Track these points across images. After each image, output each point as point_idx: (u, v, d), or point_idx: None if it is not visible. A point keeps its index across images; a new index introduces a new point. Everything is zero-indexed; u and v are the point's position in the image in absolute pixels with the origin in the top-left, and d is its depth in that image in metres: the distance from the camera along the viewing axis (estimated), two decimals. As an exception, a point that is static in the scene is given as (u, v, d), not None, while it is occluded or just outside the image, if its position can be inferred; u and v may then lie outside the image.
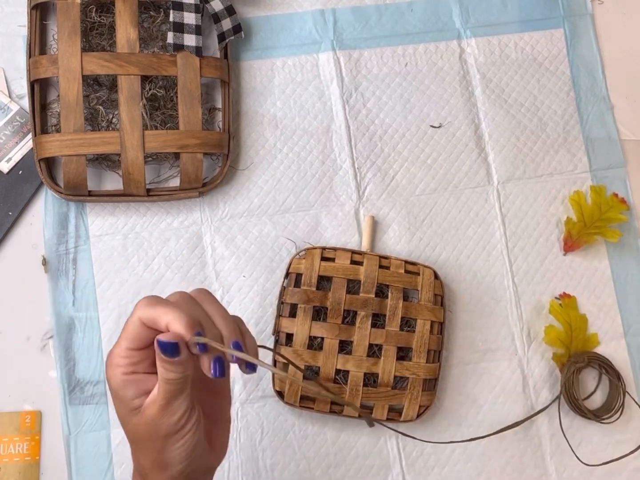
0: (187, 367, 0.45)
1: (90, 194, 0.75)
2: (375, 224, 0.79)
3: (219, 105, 0.80)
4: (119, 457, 0.72)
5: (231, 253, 0.77)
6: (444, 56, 0.84)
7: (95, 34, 0.77)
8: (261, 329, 0.76)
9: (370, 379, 0.73)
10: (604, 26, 0.87)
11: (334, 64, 0.82)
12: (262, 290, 0.77)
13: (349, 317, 0.73)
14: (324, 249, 0.75)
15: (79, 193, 0.74)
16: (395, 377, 0.73)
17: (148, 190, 0.75)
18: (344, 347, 0.73)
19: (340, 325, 0.72)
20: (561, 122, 0.84)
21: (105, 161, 0.77)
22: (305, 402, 0.73)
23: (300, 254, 0.74)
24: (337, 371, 0.72)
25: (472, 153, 0.82)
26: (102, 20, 0.76)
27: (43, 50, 0.76)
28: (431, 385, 0.74)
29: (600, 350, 0.79)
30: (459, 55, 0.84)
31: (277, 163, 0.80)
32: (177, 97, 0.74)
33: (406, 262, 0.75)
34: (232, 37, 0.78)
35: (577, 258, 0.81)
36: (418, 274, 0.74)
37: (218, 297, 0.75)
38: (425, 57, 0.84)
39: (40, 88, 0.75)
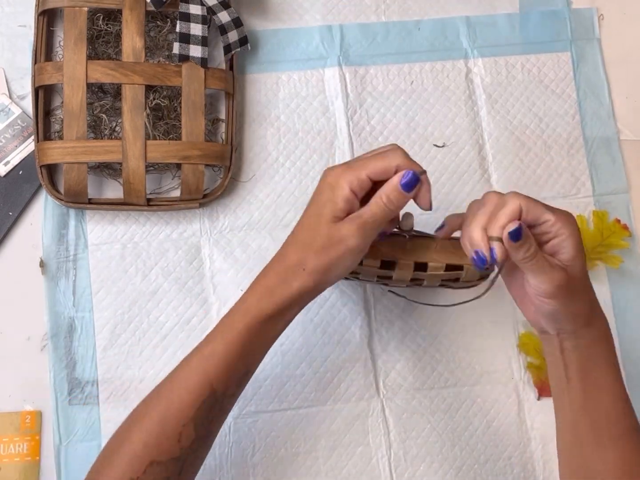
0: (397, 207, 0.57)
1: (90, 201, 0.75)
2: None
3: (223, 116, 0.80)
4: (108, 468, 0.72)
5: (229, 266, 0.77)
6: (450, 75, 0.84)
7: (102, 42, 0.77)
8: (257, 344, 0.76)
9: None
10: (604, 26, 0.87)
11: (340, 79, 0.82)
12: (259, 305, 0.76)
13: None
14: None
15: (79, 200, 0.74)
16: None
17: (148, 200, 0.75)
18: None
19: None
20: (566, 146, 0.83)
21: (107, 169, 0.77)
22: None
23: None
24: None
25: (475, 174, 0.82)
26: (108, 29, 0.76)
27: (49, 56, 0.76)
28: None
29: (597, 376, 0.78)
30: (465, 75, 0.84)
31: (279, 177, 0.79)
32: (180, 107, 0.74)
33: (448, 265, 0.64)
34: (239, 49, 0.78)
35: (577, 283, 0.80)
36: (462, 268, 0.64)
37: (214, 311, 0.76)
38: (431, 75, 0.83)
39: (44, 94, 0.75)
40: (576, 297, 0.56)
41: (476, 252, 0.54)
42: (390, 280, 0.67)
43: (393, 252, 0.63)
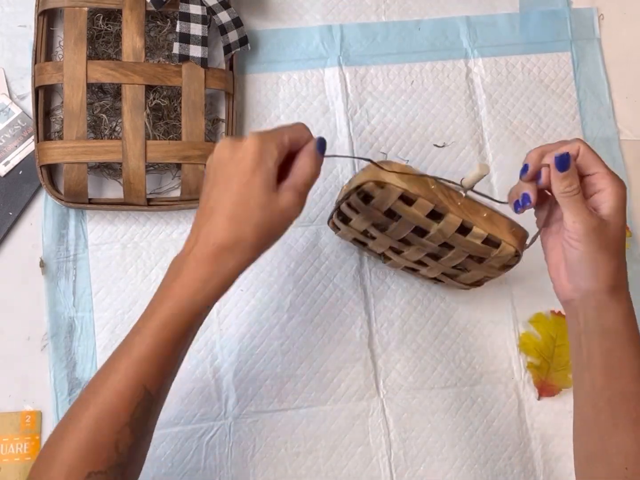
0: (318, 172, 0.56)
1: (90, 201, 0.75)
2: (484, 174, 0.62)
3: (223, 116, 0.80)
4: (108, 468, 0.72)
5: (229, 266, 0.77)
6: (450, 75, 0.84)
7: (102, 42, 0.77)
8: (256, 344, 0.75)
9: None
10: (604, 26, 0.87)
11: (340, 79, 0.82)
12: (259, 305, 0.76)
13: (404, 242, 0.69)
14: (406, 190, 0.61)
15: (79, 200, 0.74)
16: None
17: (148, 200, 0.75)
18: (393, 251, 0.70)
19: (392, 244, 0.69)
20: (566, 146, 0.83)
21: (107, 169, 0.77)
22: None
23: (379, 184, 0.62)
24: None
25: (475, 173, 0.81)
26: (108, 29, 0.76)
27: (49, 56, 0.76)
28: None
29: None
30: (465, 75, 0.84)
31: (279, 177, 0.79)
32: (180, 107, 0.74)
33: (489, 236, 0.63)
34: (239, 49, 0.78)
35: (578, 283, 0.80)
36: (497, 245, 0.64)
37: (214, 311, 0.76)
38: (431, 75, 0.83)
39: (44, 94, 0.75)
40: (605, 252, 0.56)
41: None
42: (421, 238, 0.66)
43: (446, 204, 0.62)
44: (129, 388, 0.52)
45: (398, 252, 0.71)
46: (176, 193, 0.77)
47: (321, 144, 0.56)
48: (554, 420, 0.77)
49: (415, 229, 0.65)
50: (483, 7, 0.86)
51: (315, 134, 0.80)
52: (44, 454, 0.53)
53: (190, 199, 0.75)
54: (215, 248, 0.52)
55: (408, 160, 0.80)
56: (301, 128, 0.56)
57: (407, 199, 0.62)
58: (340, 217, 0.70)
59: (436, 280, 0.75)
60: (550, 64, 0.85)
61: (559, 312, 0.79)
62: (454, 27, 0.85)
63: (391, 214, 0.65)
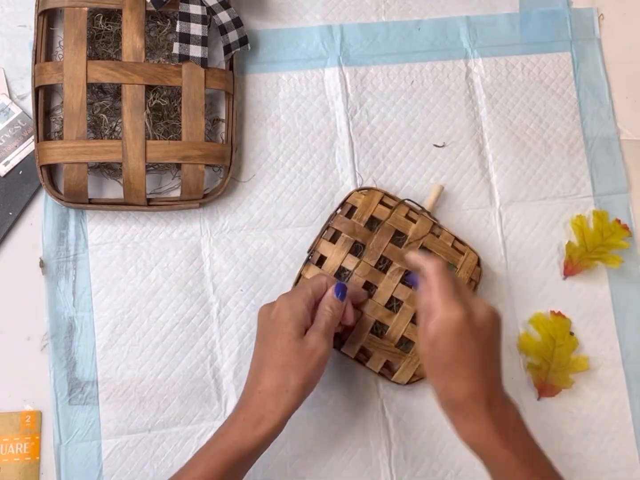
0: (339, 313, 0.67)
1: (90, 201, 0.75)
2: (441, 193, 0.78)
3: (223, 116, 0.80)
4: (109, 469, 0.72)
5: (229, 266, 0.77)
6: (450, 75, 0.84)
7: (102, 42, 0.77)
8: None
9: (379, 330, 0.74)
10: (604, 26, 0.87)
11: (340, 79, 0.82)
12: (259, 305, 0.75)
13: (383, 265, 0.75)
14: (386, 194, 0.76)
15: (79, 200, 0.74)
16: (402, 337, 0.73)
17: (148, 200, 0.75)
18: (367, 289, 0.74)
19: (372, 268, 0.74)
20: (566, 146, 0.83)
21: (107, 169, 0.77)
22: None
23: (362, 191, 0.76)
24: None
25: (475, 174, 0.82)
26: (108, 29, 0.76)
27: (49, 56, 0.76)
28: None
29: (597, 376, 0.78)
30: (465, 75, 0.84)
31: (279, 177, 0.79)
32: (180, 107, 0.74)
33: (456, 238, 0.76)
34: (239, 49, 0.78)
35: (577, 283, 0.80)
36: (463, 253, 0.76)
37: (214, 310, 0.76)
38: (431, 75, 0.83)
39: (44, 94, 0.75)
40: (433, 372, 0.63)
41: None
42: (399, 248, 0.75)
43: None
44: None
45: (369, 294, 0.74)
46: (176, 193, 0.77)
47: (339, 289, 0.67)
48: (554, 420, 0.77)
49: (393, 237, 0.74)
50: (483, 7, 0.86)
51: (316, 134, 0.81)
52: None
53: (190, 198, 0.75)
54: (263, 394, 0.62)
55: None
56: (319, 277, 0.68)
57: (386, 205, 0.75)
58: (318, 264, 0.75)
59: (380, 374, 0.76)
60: (550, 64, 0.85)
61: (559, 312, 0.79)
62: (454, 27, 0.85)
63: (371, 223, 0.75)
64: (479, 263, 0.76)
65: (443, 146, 0.82)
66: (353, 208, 0.75)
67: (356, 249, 0.75)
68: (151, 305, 0.76)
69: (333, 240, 0.74)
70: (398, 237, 0.75)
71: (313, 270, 0.74)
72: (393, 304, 0.74)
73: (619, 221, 0.81)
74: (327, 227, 0.75)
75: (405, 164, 0.81)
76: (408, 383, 0.74)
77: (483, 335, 0.61)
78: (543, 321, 0.78)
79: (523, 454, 0.59)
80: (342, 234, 0.74)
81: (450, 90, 0.83)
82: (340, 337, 0.73)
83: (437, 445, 0.76)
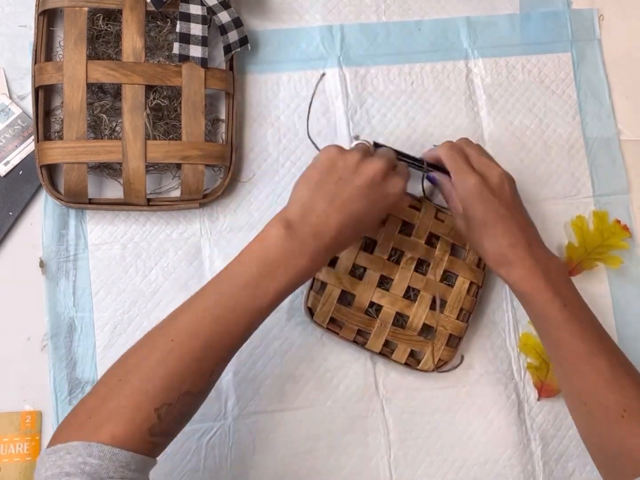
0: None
1: (90, 201, 0.75)
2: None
3: (223, 116, 0.80)
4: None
5: (229, 266, 0.77)
6: (450, 76, 0.84)
7: (102, 42, 0.76)
8: (256, 345, 0.75)
9: (400, 320, 0.75)
10: (604, 27, 0.87)
11: (340, 80, 0.82)
12: (259, 305, 0.76)
13: (395, 256, 0.76)
14: None
15: (79, 200, 0.74)
16: (423, 324, 0.75)
17: (148, 200, 0.75)
18: (384, 282, 0.75)
19: (385, 261, 0.75)
20: (566, 146, 0.83)
21: (107, 169, 0.77)
22: (332, 325, 0.74)
23: None
24: (371, 304, 0.74)
25: (475, 174, 0.81)
26: (108, 29, 0.76)
27: (49, 56, 0.76)
28: (454, 342, 0.76)
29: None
30: (465, 76, 0.84)
31: (279, 177, 0.79)
32: (180, 107, 0.74)
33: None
34: (239, 50, 0.78)
35: (577, 283, 0.79)
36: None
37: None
38: (431, 76, 0.83)
39: (44, 94, 0.75)
40: (472, 234, 0.68)
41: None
42: (409, 238, 0.76)
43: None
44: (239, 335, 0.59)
45: (386, 287, 0.75)
46: (176, 193, 0.77)
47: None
48: (554, 420, 0.77)
49: (401, 228, 0.75)
50: (483, 8, 0.86)
51: (315, 134, 0.81)
52: (144, 364, 0.56)
53: (190, 199, 0.75)
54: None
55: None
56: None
57: None
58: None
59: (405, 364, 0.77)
60: (551, 64, 0.85)
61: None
62: (454, 28, 0.84)
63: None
64: None
65: (443, 146, 0.82)
66: None
67: (367, 245, 0.75)
68: (151, 305, 0.76)
69: None
70: (406, 228, 0.76)
71: (326, 271, 0.74)
72: (410, 294, 0.75)
73: (619, 222, 0.81)
74: None
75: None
76: (436, 369, 0.75)
77: (502, 194, 0.66)
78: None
79: (564, 298, 0.64)
80: None
81: (451, 91, 0.83)
82: (362, 335, 0.74)
83: (437, 445, 0.76)
